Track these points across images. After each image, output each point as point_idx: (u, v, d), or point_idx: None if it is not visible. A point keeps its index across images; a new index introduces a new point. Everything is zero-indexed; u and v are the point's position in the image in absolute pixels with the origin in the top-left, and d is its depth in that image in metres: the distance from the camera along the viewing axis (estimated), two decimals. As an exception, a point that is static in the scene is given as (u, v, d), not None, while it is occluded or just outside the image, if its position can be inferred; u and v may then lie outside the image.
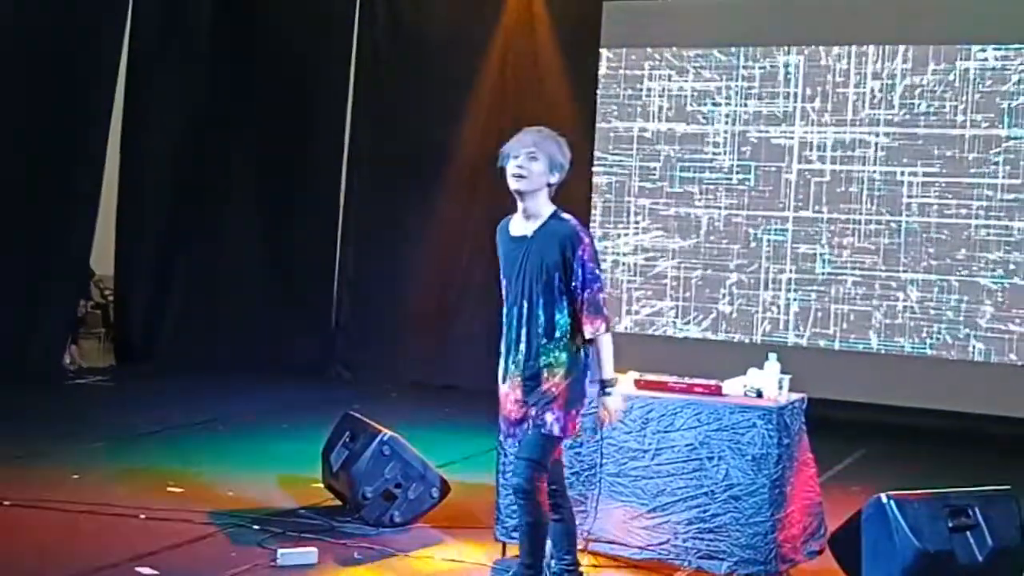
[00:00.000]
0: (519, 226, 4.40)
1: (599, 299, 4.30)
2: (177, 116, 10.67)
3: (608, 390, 4.37)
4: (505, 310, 4.43)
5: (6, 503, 5.64)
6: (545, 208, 4.35)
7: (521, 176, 4.28)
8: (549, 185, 4.34)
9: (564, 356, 4.29)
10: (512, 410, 4.39)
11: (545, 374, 4.30)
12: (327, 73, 10.84)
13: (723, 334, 9.60)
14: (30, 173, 9.42)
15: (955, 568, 4.71)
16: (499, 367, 4.43)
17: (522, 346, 4.33)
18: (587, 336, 4.29)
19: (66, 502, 5.68)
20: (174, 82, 10.65)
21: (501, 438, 4.82)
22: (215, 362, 10.15)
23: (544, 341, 4.30)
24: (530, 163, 4.29)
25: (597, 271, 4.30)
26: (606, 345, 4.33)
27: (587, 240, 4.29)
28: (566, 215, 4.35)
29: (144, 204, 10.71)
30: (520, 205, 4.37)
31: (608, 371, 4.35)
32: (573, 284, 4.27)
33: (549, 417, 4.29)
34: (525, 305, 4.32)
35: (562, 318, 4.29)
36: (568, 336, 4.30)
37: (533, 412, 4.31)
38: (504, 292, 4.44)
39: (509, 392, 4.39)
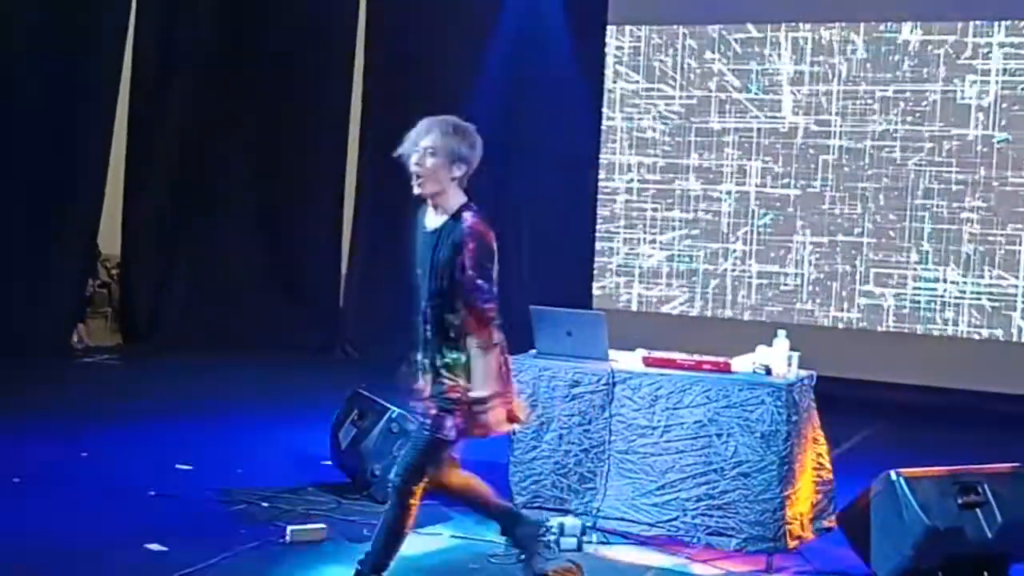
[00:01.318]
0: (431, 218, 4.11)
1: (482, 309, 3.96)
2: (185, 95, 10.66)
3: (477, 408, 4.00)
4: (420, 304, 4.11)
5: (16, 480, 5.66)
6: (454, 201, 4.05)
7: (419, 176, 4.02)
8: (454, 179, 4.05)
9: (462, 357, 4.02)
10: (428, 405, 4.11)
11: (445, 374, 4.04)
12: (332, 54, 10.79)
13: (733, 311, 9.59)
14: (37, 152, 9.42)
15: (965, 545, 4.71)
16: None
17: (428, 344, 4.09)
18: (471, 347, 4.00)
19: (76, 479, 5.69)
20: (181, 62, 10.63)
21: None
22: (221, 341, 10.16)
23: (441, 340, 4.04)
24: (427, 159, 4.03)
25: (478, 280, 3.93)
26: (479, 362, 3.99)
27: (472, 245, 3.94)
28: (467, 213, 4.01)
29: (150, 183, 10.72)
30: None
31: (477, 389, 4.00)
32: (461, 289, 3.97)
33: (448, 422, 4.03)
34: (428, 302, 4.06)
35: (456, 319, 4.01)
36: (464, 337, 4.02)
37: (433, 412, 4.06)
38: (418, 285, 4.11)
39: (423, 387, 4.14)
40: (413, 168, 4.05)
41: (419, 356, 4.13)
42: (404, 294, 11.38)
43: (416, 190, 4.06)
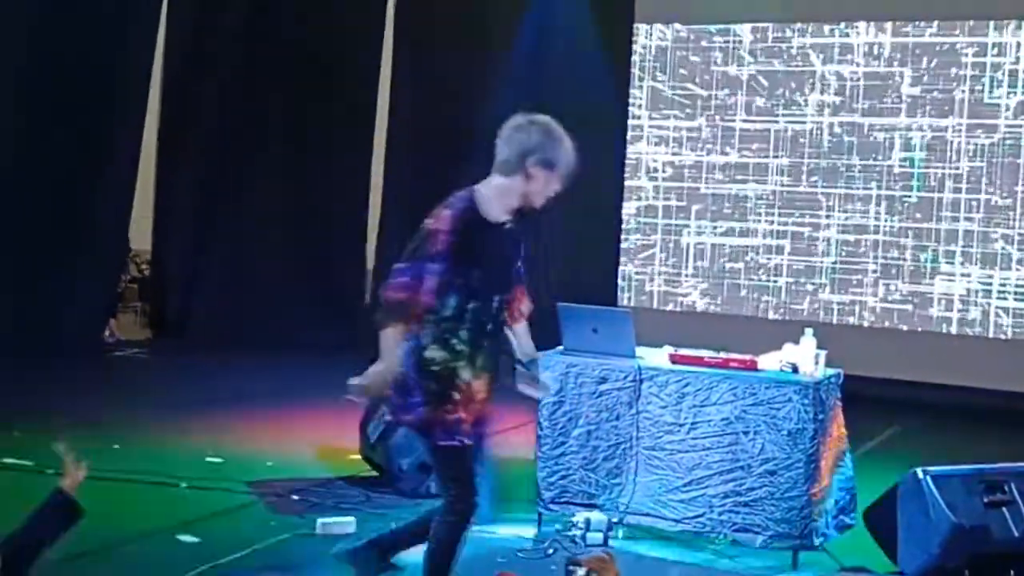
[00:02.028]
0: (500, 214, 3.92)
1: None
2: (215, 92, 10.74)
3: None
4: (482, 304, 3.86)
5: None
6: None
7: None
8: None
9: None
10: (480, 409, 3.86)
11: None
12: (360, 51, 10.85)
13: (761, 310, 9.60)
14: (68, 148, 9.51)
15: (991, 543, 4.71)
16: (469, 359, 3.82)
17: (493, 341, 3.90)
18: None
19: (108, 471, 5.76)
20: (212, 58, 10.72)
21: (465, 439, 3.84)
22: (250, 337, 10.23)
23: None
24: None
25: (401, 263, 3.83)
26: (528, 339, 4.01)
27: (428, 221, 3.88)
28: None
29: (181, 181, 10.82)
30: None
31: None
32: None
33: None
34: (503, 296, 3.94)
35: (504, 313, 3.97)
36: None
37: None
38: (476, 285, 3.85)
39: (478, 390, 3.84)
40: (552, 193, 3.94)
41: (479, 359, 3.83)
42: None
43: (539, 205, 3.96)
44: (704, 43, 9.78)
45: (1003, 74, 8.89)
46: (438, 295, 3.76)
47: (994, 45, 8.92)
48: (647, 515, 5.04)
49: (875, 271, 9.28)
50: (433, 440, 3.81)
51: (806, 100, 9.47)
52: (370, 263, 10.91)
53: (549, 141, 3.89)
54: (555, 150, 3.89)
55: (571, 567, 3.23)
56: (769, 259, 9.59)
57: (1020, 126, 8.85)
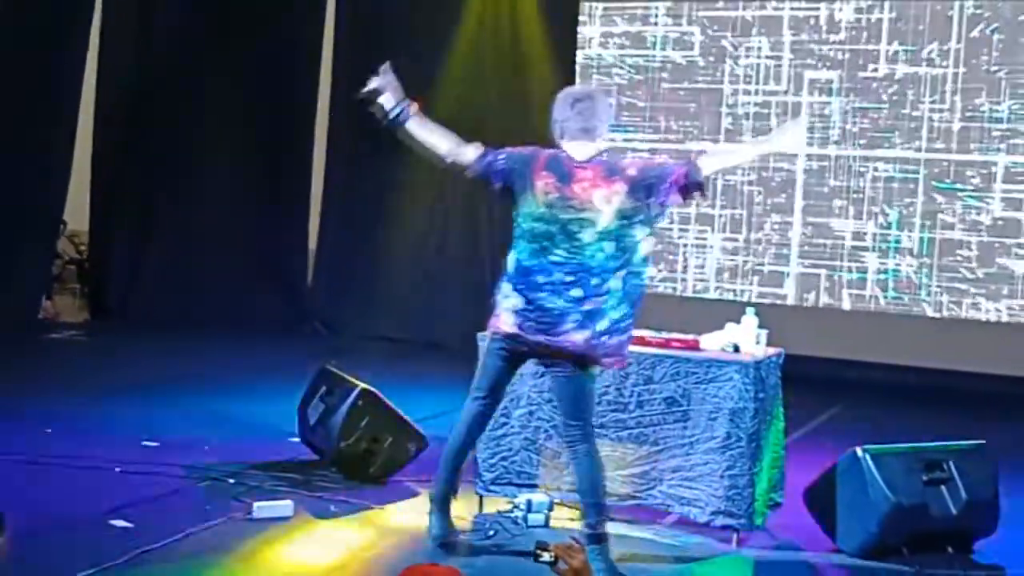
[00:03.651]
0: None
1: None
2: (156, 67, 10.56)
3: None
4: None
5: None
6: None
7: None
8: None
9: None
10: None
11: None
12: (303, 35, 10.69)
13: (703, 291, 9.61)
14: (2, 127, 9.31)
15: (929, 521, 4.76)
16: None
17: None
18: None
19: (40, 455, 5.65)
20: (152, 29, 10.53)
21: None
22: (191, 318, 10.09)
23: None
24: None
25: None
26: None
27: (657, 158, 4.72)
28: None
29: (119, 160, 10.62)
30: None
31: None
32: None
33: None
34: None
35: None
36: None
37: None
38: None
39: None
40: None
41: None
42: (372, 270, 11.39)
43: None
44: (651, 19, 9.74)
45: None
46: None
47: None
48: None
49: (818, 251, 9.29)
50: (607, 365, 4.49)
51: (736, 77, 9.45)
52: (312, 244, 10.80)
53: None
54: None
55: (538, 551, 3.17)
56: (710, 239, 9.59)
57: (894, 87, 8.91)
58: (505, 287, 4.51)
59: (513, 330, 4.47)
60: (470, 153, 4.63)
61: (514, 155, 4.57)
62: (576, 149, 4.50)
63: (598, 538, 4.45)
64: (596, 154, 4.50)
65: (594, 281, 4.38)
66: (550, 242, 4.43)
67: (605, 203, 4.39)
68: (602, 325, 4.37)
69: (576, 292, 4.38)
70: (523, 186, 4.49)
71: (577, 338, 4.37)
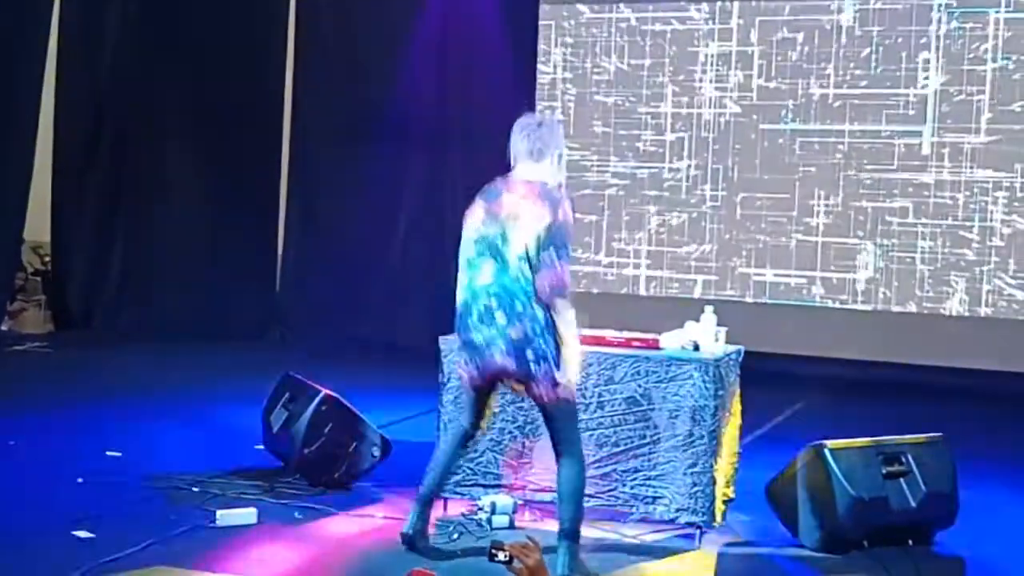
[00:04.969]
0: None
1: None
2: (116, 75, 10.51)
3: None
4: None
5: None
6: None
7: None
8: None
9: None
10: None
11: None
12: (265, 34, 10.69)
13: (661, 289, 9.65)
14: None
15: (889, 514, 4.80)
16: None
17: None
18: None
19: (3, 468, 5.61)
20: (112, 39, 10.48)
21: None
22: (155, 327, 10.05)
23: None
24: None
25: (562, 252, 4.41)
26: None
27: (559, 213, 4.41)
28: None
29: (80, 170, 10.57)
30: None
31: None
32: None
33: None
34: None
35: None
36: None
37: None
38: None
39: None
40: None
41: None
42: (339, 277, 11.35)
43: None
44: (613, 25, 9.77)
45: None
46: None
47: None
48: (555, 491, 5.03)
49: (779, 247, 9.35)
50: (569, 401, 4.43)
51: (700, 84, 9.51)
52: (279, 250, 10.77)
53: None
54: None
55: (493, 551, 3.18)
56: (668, 238, 9.63)
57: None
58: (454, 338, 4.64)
59: (469, 377, 4.55)
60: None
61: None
62: (522, 171, 4.50)
63: (569, 535, 4.47)
64: (539, 179, 4.46)
65: (517, 305, 4.34)
66: (478, 264, 4.44)
67: (534, 220, 4.33)
68: (530, 353, 4.33)
69: (499, 315, 4.36)
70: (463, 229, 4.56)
71: (508, 364, 4.36)
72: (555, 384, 4.36)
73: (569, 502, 4.47)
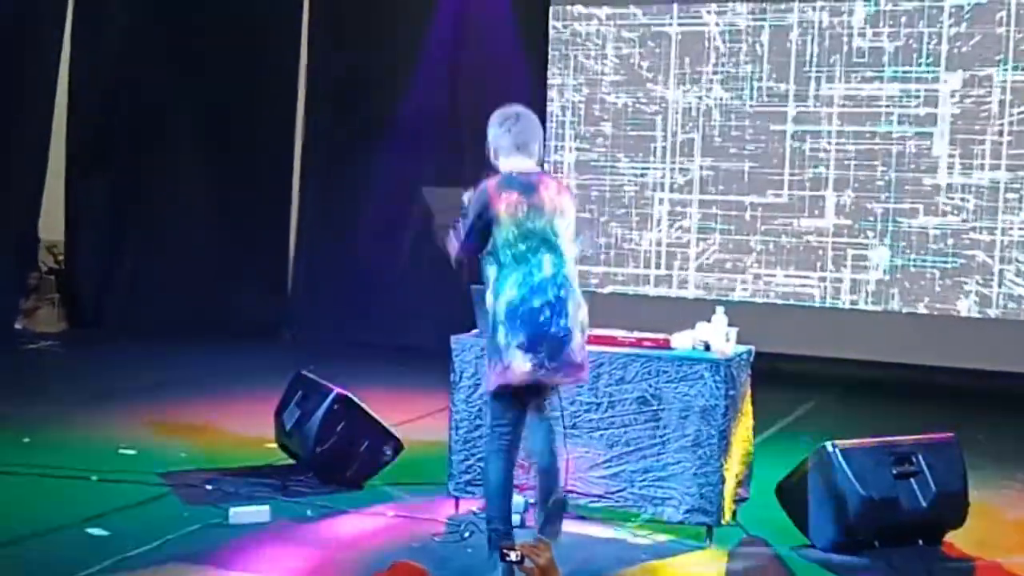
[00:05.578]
0: None
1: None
2: (128, 75, 10.54)
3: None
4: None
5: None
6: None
7: None
8: (495, 161, 4.59)
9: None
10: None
11: None
12: (277, 35, 10.72)
13: (675, 289, 9.66)
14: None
15: (899, 514, 4.81)
16: None
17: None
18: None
19: (17, 465, 5.65)
20: (124, 41, 10.51)
21: None
22: (167, 325, 10.07)
23: None
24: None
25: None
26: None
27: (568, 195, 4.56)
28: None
29: (93, 171, 10.61)
30: None
31: None
32: None
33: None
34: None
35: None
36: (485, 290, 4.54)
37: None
38: None
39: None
40: None
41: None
42: (350, 278, 11.37)
43: None
44: (622, 28, 9.79)
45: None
46: None
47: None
48: (568, 492, 5.03)
49: (791, 248, 9.35)
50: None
51: (710, 85, 9.52)
52: (292, 249, 10.80)
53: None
54: None
55: (505, 551, 3.21)
56: (681, 239, 9.64)
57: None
58: (500, 336, 4.31)
59: (527, 379, 4.31)
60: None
61: (476, 208, 4.44)
62: (517, 164, 4.46)
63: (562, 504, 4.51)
64: (535, 169, 4.51)
65: (573, 291, 4.40)
66: (535, 257, 4.33)
67: (573, 214, 4.49)
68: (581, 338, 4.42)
69: (571, 306, 4.36)
70: (492, 220, 4.37)
71: (579, 358, 4.40)
72: (583, 368, 4.47)
73: (562, 470, 4.51)
